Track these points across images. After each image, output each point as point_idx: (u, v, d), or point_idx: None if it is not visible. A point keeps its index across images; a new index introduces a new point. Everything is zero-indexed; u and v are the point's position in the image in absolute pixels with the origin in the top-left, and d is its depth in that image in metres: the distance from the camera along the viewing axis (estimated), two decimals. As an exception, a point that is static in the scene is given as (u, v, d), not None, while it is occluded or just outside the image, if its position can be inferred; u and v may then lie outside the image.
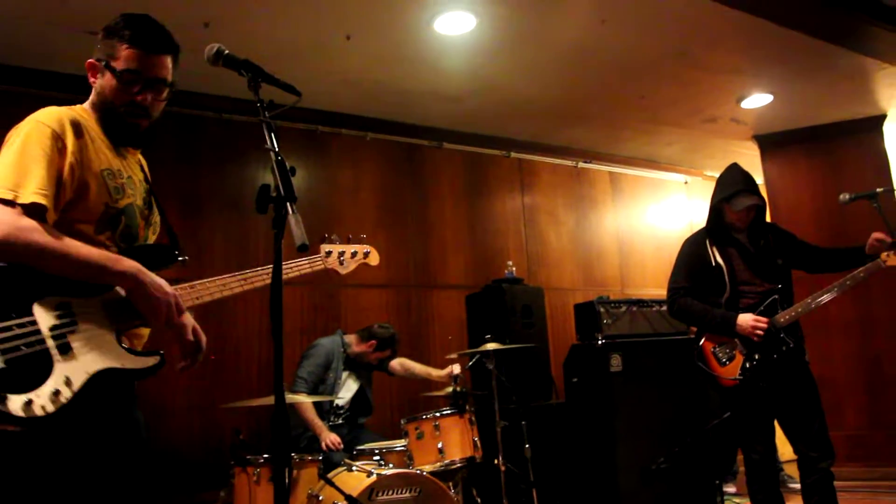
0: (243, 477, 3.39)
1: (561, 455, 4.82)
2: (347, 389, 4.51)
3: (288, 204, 1.55)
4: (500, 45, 4.60)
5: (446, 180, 6.02)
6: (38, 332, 1.66)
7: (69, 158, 1.80)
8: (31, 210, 1.70)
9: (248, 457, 3.42)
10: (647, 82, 5.33)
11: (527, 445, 4.20)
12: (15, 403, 1.57)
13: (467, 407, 3.85)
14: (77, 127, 1.85)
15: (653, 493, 4.51)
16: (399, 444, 3.81)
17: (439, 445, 3.67)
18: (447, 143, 6.04)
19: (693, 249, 3.63)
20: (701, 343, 3.55)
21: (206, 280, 1.99)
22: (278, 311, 1.52)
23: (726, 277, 3.50)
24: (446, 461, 3.65)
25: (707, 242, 3.59)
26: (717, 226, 3.62)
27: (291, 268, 2.36)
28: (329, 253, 2.56)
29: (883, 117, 6.17)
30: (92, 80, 1.97)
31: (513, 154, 6.41)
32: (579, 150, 6.80)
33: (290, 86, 1.79)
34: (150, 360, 1.84)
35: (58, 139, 1.79)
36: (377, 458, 3.69)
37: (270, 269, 2.20)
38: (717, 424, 4.59)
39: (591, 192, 6.87)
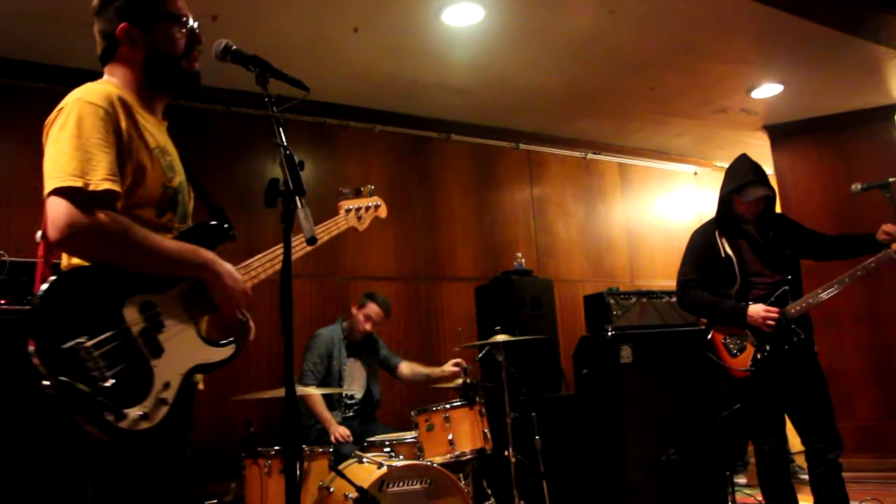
0: (254, 469, 3.41)
1: (571, 447, 4.82)
2: (356, 378, 4.52)
3: (297, 198, 1.54)
4: (508, 36, 4.59)
5: (455, 172, 6.01)
6: (133, 339, 1.60)
7: (125, 138, 1.70)
8: (105, 198, 1.60)
9: (260, 449, 3.44)
10: (656, 73, 5.30)
11: (537, 437, 4.21)
12: (132, 419, 1.54)
13: (477, 399, 3.86)
14: (124, 104, 1.74)
15: (663, 485, 4.51)
16: (409, 435, 3.83)
17: (449, 437, 3.68)
18: (455, 135, 6.03)
19: (702, 241, 3.63)
20: (711, 334, 3.55)
21: (256, 257, 1.95)
22: (288, 303, 1.53)
23: (736, 269, 3.49)
24: (456, 453, 3.66)
25: (716, 234, 3.58)
26: (727, 217, 3.61)
27: (321, 232, 2.32)
28: (349, 210, 2.54)
29: (893, 107, 6.12)
30: (127, 46, 1.83)
31: (521, 146, 6.39)
32: (588, 142, 6.78)
33: (299, 81, 1.79)
34: (228, 350, 1.83)
35: (112, 119, 1.68)
36: (388, 449, 3.70)
37: (318, 230, 2.22)
38: (727, 416, 4.58)
39: (601, 184, 6.85)
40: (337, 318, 4.65)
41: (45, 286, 1.54)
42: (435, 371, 4.55)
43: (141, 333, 1.62)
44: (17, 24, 3.99)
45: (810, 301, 3.40)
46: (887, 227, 3.36)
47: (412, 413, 3.84)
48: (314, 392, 4.08)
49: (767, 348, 3.38)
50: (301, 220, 1.52)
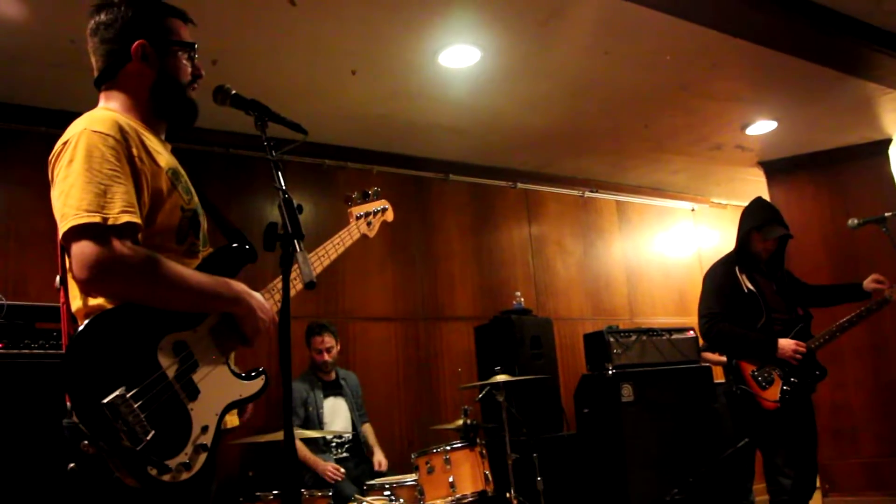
0: (253, 514, 3.36)
1: (573, 487, 4.76)
2: (339, 417, 4.48)
3: (295, 241, 1.52)
4: (504, 77, 4.64)
5: (453, 212, 6.03)
6: (171, 384, 1.54)
7: (139, 165, 1.62)
8: (125, 231, 1.52)
9: (258, 493, 3.39)
10: (651, 111, 5.36)
11: (539, 478, 4.15)
12: (175, 470, 1.49)
13: (478, 440, 3.82)
14: (133, 130, 1.66)
15: (668, 526, 4.45)
16: (409, 478, 3.78)
17: (450, 479, 3.63)
18: (453, 175, 6.07)
19: (724, 276, 3.70)
20: (739, 366, 3.59)
21: (277, 279, 1.85)
22: (287, 346, 1.50)
23: (762, 304, 3.59)
24: (458, 495, 3.62)
25: (736, 270, 3.67)
26: (745, 254, 3.70)
27: (336, 244, 2.26)
28: (359, 217, 2.48)
29: (888, 141, 6.17)
30: (139, 64, 1.76)
31: (519, 185, 6.42)
32: (585, 180, 6.81)
33: (297, 124, 1.79)
34: (259, 382, 1.78)
35: (123, 147, 1.60)
36: (388, 493, 3.66)
37: (328, 248, 2.18)
38: (731, 454, 4.53)
39: (598, 221, 6.87)
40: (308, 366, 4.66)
41: (75, 335, 1.48)
42: (374, 453, 4.48)
43: (177, 377, 1.56)
44: (16, 68, 4.03)
45: (827, 337, 3.58)
46: (877, 276, 3.64)
47: (412, 455, 3.80)
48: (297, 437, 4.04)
49: (793, 381, 3.49)
50: (300, 264, 1.49)
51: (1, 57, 3.90)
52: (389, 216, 2.62)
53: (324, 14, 3.79)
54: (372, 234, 2.52)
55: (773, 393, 3.48)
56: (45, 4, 3.43)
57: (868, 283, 3.68)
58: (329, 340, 4.52)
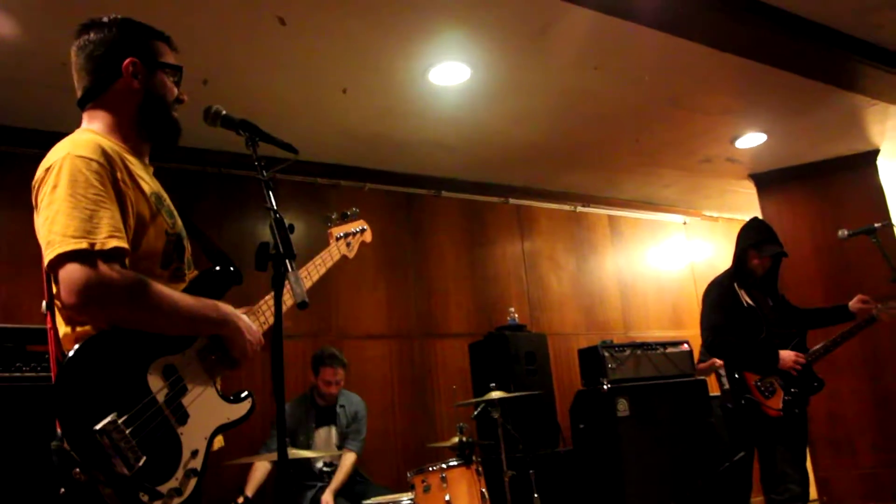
0: (247, 537, 3.32)
1: (571, 503, 4.73)
2: (329, 447, 4.38)
3: (287, 261, 1.52)
4: (494, 93, 4.66)
5: (445, 228, 6.04)
6: (161, 409, 1.53)
7: (123, 189, 1.60)
8: (113, 256, 1.51)
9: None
10: (642, 125, 5.39)
11: (535, 495, 4.13)
12: (166, 496, 1.48)
13: (474, 457, 3.80)
14: (116, 154, 1.65)
15: (666, 541, 4.42)
16: (406, 497, 3.75)
17: (447, 498, 3.60)
18: (445, 192, 6.08)
19: (723, 291, 3.85)
20: (742, 376, 3.71)
21: (261, 301, 1.90)
22: (279, 366, 1.49)
23: (761, 318, 3.74)
24: (454, 514, 3.59)
25: (735, 285, 3.82)
26: (742, 271, 3.86)
27: (318, 265, 2.27)
28: (339, 238, 2.48)
29: (876, 152, 6.21)
30: (129, 82, 1.76)
31: (511, 200, 6.44)
32: (577, 195, 6.83)
33: (288, 144, 1.79)
34: (247, 405, 1.77)
35: (107, 171, 1.58)
36: (384, 512, 3.63)
37: (310, 269, 2.18)
38: (728, 466, 4.52)
39: (591, 236, 6.89)
40: (308, 388, 4.57)
41: (65, 361, 1.46)
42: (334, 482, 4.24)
43: (167, 401, 1.56)
44: (9, 90, 4.03)
45: (822, 351, 3.76)
46: (862, 297, 3.83)
47: (408, 474, 3.77)
48: (264, 462, 4.01)
49: (793, 391, 3.64)
50: (292, 284, 1.48)
51: (-4, 80, 3.91)
52: (368, 237, 2.64)
53: (314, 33, 3.80)
54: (351, 254, 2.53)
55: (777, 402, 3.61)
56: (38, 26, 3.44)
57: (854, 304, 3.86)
58: (340, 373, 4.41)
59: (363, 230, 2.62)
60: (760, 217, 4.19)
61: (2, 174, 4.35)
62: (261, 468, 4.09)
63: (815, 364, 3.81)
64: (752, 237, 3.89)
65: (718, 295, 3.84)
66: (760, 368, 3.68)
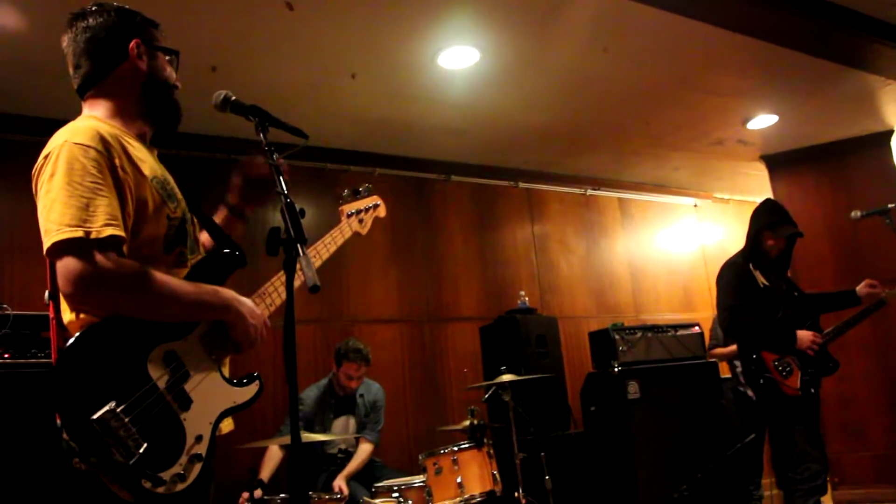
0: (262, 519, 3.36)
1: (582, 485, 4.75)
2: (347, 433, 4.40)
3: (298, 246, 1.51)
4: (504, 76, 4.64)
5: (455, 213, 6.03)
6: (162, 395, 1.53)
7: (122, 176, 1.59)
8: (109, 244, 1.49)
9: (266, 497, 3.39)
10: (652, 108, 5.35)
11: (547, 477, 4.15)
12: (169, 482, 1.48)
13: (485, 440, 3.82)
14: (115, 138, 1.63)
15: (677, 522, 4.44)
16: (418, 479, 3.78)
17: (458, 480, 3.63)
18: (455, 176, 6.07)
19: (739, 272, 3.82)
20: (762, 357, 3.69)
21: (267, 284, 1.90)
22: (292, 350, 1.49)
23: (778, 298, 3.73)
24: (466, 496, 3.61)
25: (750, 266, 3.80)
26: (757, 252, 3.84)
27: (328, 243, 2.22)
28: (350, 215, 2.42)
29: (890, 133, 6.15)
30: (135, 64, 1.77)
31: (521, 184, 6.42)
32: (587, 178, 6.81)
33: (298, 129, 1.79)
34: (254, 388, 1.76)
35: (105, 158, 1.57)
36: (396, 494, 3.66)
37: (319, 248, 2.15)
38: (739, 449, 4.53)
39: (601, 219, 6.87)
40: (330, 371, 4.57)
41: (62, 351, 1.47)
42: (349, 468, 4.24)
43: (168, 388, 1.55)
44: (19, 79, 4.05)
45: (835, 333, 3.79)
46: (869, 281, 3.85)
47: (420, 457, 3.80)
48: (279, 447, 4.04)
49: (810, 371, 3.64)
50: (303, 268, 1.48)
51: (3, 68, 3.92)
52: (382, 212, 2.53)
53: (322, 18, 3.79)
54: (365, 231, 2.45)
55: (795, 381, 3.61)
56: (49, 14, 3.44)
57: (861, 289, 3.88)
58: (363, 368, 4.38)
59: (377, 205, 2.52)
60: (772, 198, 4.14)
61: (13, 163, 4.37)
62: (275, 453, 4.12)
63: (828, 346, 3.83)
64: (768, 218, 3.87)
65: (734, 276, 3.82)
66: (778, 348, 3.67)
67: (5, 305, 3.41)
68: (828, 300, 4.01)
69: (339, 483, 4.03)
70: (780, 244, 3.83)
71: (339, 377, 4.42)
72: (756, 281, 3.74)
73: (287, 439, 3.64)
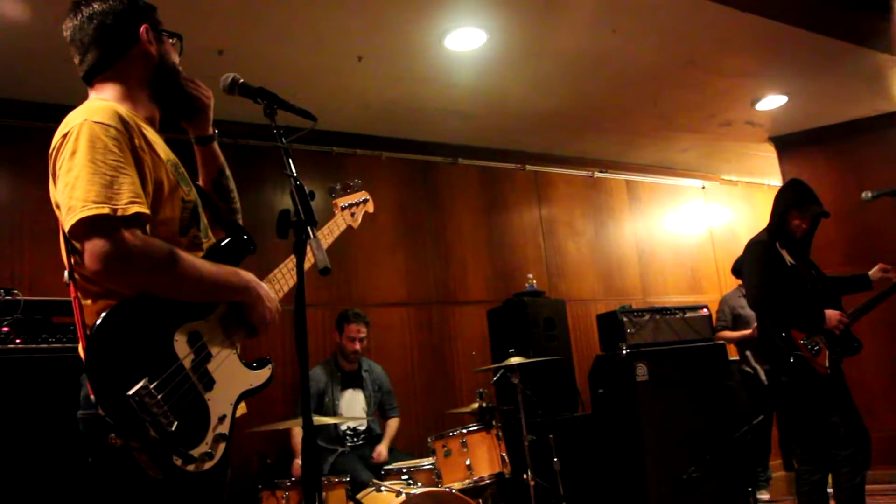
0: (272, 501, 3.38)
1: (590, 467, 4.77)
2: (355, 410, 4.48)
3: (308, 228, 1.52)
4: (511, 58, 4.62)
5: (462, 196, 6.03)
6: (188, 376, 1.54)
7: (141, 156, 1.59)
8: (135, 221, 1.49)
9: (276, 480, 3.42)
10: (660, 89, 5.32)
11: (555, 459, 4.17)
12: (198, 460, 1.50)
13: (494, 422, 3.83)
14: (133, 120, 1.63)
15: (685, 503, 4.45)
16: (427, 462, 3.80)
17: (467, 462, 3.65)
18: (462, 159, 6.06)
19: (766, 251, 3.78)
20: (790, 335, 3.67)
21: (276, 270, 1.92)
22: (303, 332, 1.50)
23: (805, 277, 3.72)
24: (475, 478, 3.63)
25: (777, 245, 3.76)
26: (782, 231, 3.81)
27: (325, 235, 2.31)
28: (344, 208, 2.51)
29: (900, 113, 6.11)
30: (145, 49, 1.75)
31: (528, 167, 6.41)
32: (595, 160, 6.79)
33: (306, 111, 1.79)
34: (268, 371, 1.79)
35: (125, 137, 1.56)
36: (405, 477, 3.68)
37: (320, 234, 2.17)
38: (747, 430, 4.53)
39: (609, 202, 6.85)
40: (331, 354, 4.66)
41: (94, 328, 1.47)
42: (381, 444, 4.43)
43: (193, 367, 1.56)
44: (30, 65, 4.05)
45: (858, 314, 3.76)
46: (882, 266, 3.85)
47: (429, 439, 3.82)
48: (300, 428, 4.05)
49: (837, 349, 3.66)
50: (313, 250, 1.49)
51: (15, 54, 3.92)
52: (370, 207, 2.67)
53: (328, 0, 3.77)
54: (356, 224, 2.56)
55: (824, 360, 3.61)
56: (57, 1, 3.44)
57: (874, 273, 3.88)
58: (364, 330, 4.53)
59: (366, 200, 2.65)
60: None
61: (23, 148, 4.38)
62: (299, 434, 4.16)
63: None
64: (795, 196, 3.83)
65: (762, 253, 3.78)
66: (808, 327, 3.65)
67: (16, 291, 3.43)
68: (841, 283, 3.99)
69: (382, 450, 4.29)
70: (806, 224, 3.81)
71: (343, 344, 4.51)
72: (784, 259, 3.71)
73: (315, 419, 3.69)
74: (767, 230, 3.87)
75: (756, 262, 3.80)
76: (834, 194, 6.20)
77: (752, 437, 4.77)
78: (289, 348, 4.57)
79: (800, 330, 3.66)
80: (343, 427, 4.39)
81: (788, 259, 3.74)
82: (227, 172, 2.04)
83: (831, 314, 3.67)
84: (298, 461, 4.07)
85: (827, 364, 3.61)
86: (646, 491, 4.45)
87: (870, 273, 3.90)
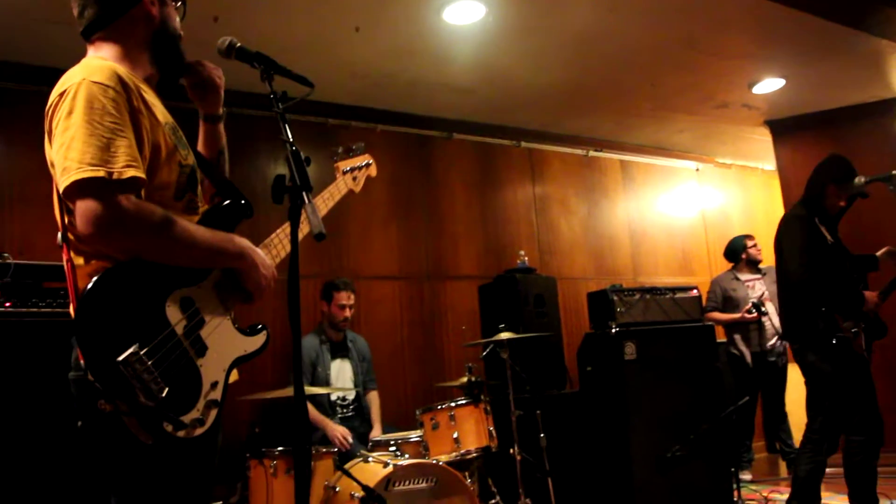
0: (260, 470, 3.40)
1: (576, 444, 4.81)
2: (345, 380, 4.53)
3: (304, 193, 1.51)
4: (509, 34, 4.59)
5: (457, 171, 6.01)
6: (180, 341, 1.54)
7: (139, 118, 1.57)
8: (130, 186, 1.47)
9: (265, 449, 3.43)
10: (657, 69, 5.30)
11: (542, 434, 4.20)
12: (189, 426, 1.50)
13: (482, 397, 3.86)
14: (132, 81, 1.60)
15: (668, 481, 4.51)
16: (415, 434, 3.82)
17: (455, 435, 3.68)
18: (457, 134, 6.03)
19: (807, 227, 3.65)
20: (834, 316, 3.58)
21: (273, 235, 1.90)
22: (296, 301, 1.50)
23: (844, 255, 3.64)
24: (462, 451, 3.66)
25: (816, 221, 3.66)
26: (818, 206, 3.71)
27: (325, 198, 2.28)
28: (345, 172, 2.47)
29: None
30: (147, 9, 1.72)
31: (523, 144, 6.39)
32: (590, 139, 6.77)
33: (303, 77, 1.77)
34: (262, 338, 1.78)
35: (124, 98, 1.54)
36: (393, 448, 3.70)
37: (318, 203, 2.18)
38: (732, 411, 4.58)
39: (603, 181, 6.85)
40: (316, 325, 4.68)
41: (84, 292, 1.46)
42: (374, 428, 4.46)
43: (185, 333, 1.56)
44: (14, 26, 3.99)
45: (887, 295, 3.65)
46: (891, 249, 3.78)
47: (417, 412, 3.84)
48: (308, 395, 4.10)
49: (868, 332, 3.59)
50: (309, 215, 1.48)
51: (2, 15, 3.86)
52: (373, 171, 2.61)
53: (326, -32, 3.73)
54: (358, 188, 2.52)
55: (860, 342, 3.55)
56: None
57: (881, 254, 3.82)
58: (352, 298, 4.56)
59: (369, 164, 2.59)
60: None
61: (11, 112, 4.33)
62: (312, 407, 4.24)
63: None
64: (836, 172, 3.72)
65: (803, 229, 3.64)
66: (849, 308, 3.56)
67: (6, 255, 3.42)
68: (856, 263, 3.90)
69: (377, 431, 4.35)
70: (844, 202, 3.73)
71: (332, 313, 4.53)
72: (825, 237, 3.61)
73: (308, 389, 3.72)
74: (803, 204, 3.76)
75: (798, 239, 3.66)
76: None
77: (736, 418, 4.81)
78: (279, 317, 4.57)
79: (840, 311, 3.55)
80: (333, 397, 4.42)
81: (828, 237, 3.62)
82: (226, 154, 2.03)
83: (870, 296, 3.58)
84: (332, 432, 4.11)
85: (864, 346, 3.54)
86: (630, 468, 4.49)
87: (878, 254, 3.84)
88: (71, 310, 1.57)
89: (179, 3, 1.85)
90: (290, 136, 1.61)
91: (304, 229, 1.84)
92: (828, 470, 3.60)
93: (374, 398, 4.62)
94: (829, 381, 3.56)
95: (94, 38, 1.73)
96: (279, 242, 1.92)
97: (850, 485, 3.52)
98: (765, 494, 4.92)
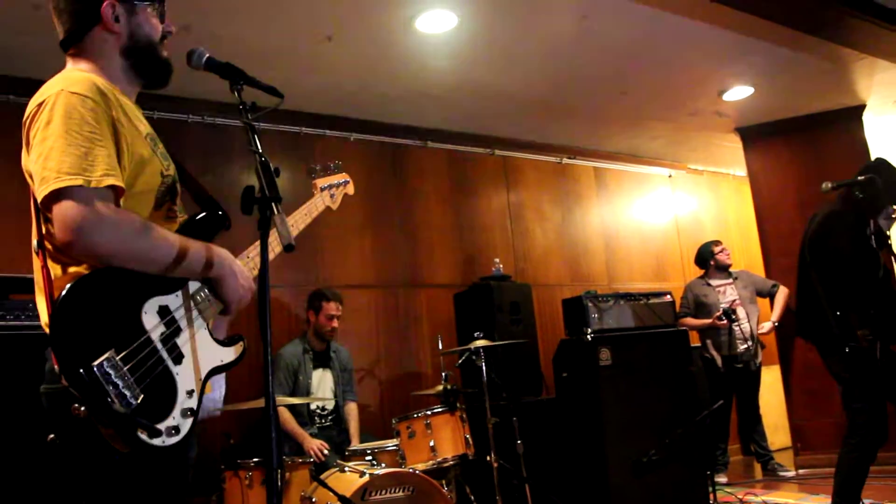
0: (235, 481, 3.39)
1: (553, 450, 4.83)
2: (325, 390, 4.51)
3: (273, 204, 1.51)
4: (481, 42, 4.61)
5: (431, 179, 6.02)
6: (156, 349, 1.53)
7: (118, 129, 1.58)
8: (108, 194, 1.49)
9: (239, 461, 3.41)
10: (629, 77, 5.36)
11: (518, 441, 4.21)
12: (164, 434, 1.49)
13: (458, 404, 3.86)
14: (111, 92, 1.61)
15: (644, 486, 4.53)
16: (391, 443, 3.82)
17: (431, 444, 3.68)
18: (431, 143, 6.04)
19: (860, 225, 3.57)
20: (847, 316, 3.53)
21: (250, 247, 1.90)
22: (265, 313, 1.50)
23: (879, 263, 3.56)
24: (439, 459, 3.67)
25: (869, 221, 3.57)
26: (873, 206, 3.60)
27: (304, 214, 2.28)
28: (323, 189, 2.50)
29: (862, 107, 6.23)
30: (109, 26, 1.69)
31: (497, 152, 6.41)
32: (563, 147, 6.82)
33: (272, 87, 1.77)
34: (239, 348, 1.78)
35: (102, 109, 1.55)
36: (369, 458, 3.69)
37: (297, 218, 2.19)
38: (706, 415, 4.62)
39: (577, 188, 6.89)
40: (302, 333, 4.65)
41: (60, 297, 1.45)
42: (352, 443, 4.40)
43: (162, 340, 1.56)
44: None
45: None
46: None
47: (393, 421, 3.84)
48: (285, 406, 4.06)
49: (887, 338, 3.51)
50: (278, 226, 1.49)
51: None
52: (350, 189, 2.67)
53: (298, -22, 3.73)
54: (335, 206, 2.56)
55: (876, 348, 3.50)
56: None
57: None
58: (340, 309, 4.54)
59: (346, 182, 2.64)
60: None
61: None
62: (284, 413, 4.16)
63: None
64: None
65: (851, 229, 3.54)
66: (875, 317, 3.47)
67: (-28, 266, 3.36)
68: None
69: (356, 443, 4.26)
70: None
71: (319, 322, 4.49)
72: (869, 238, 3.53)
73: (285, 399, 3.69)
74: (843, 201, 3.65)
75: (844, 238, 3.56)
76: (797, 185, 6.34)
77: (711, 421, 4.86)
78: (253, 328, 4.52)
79: (862, 316, 3.48)
80: (313, 406, 4.40)
81: (872, 239, 3.55)
82: None
83: None
84: (308, 444, 4.05)
85: (878, 354, 3.46)
86: (607, 473, 4.51)
87: None
88: (45, 317, 1.56)
89: (157, 4, 1.82)
90: (259, 146, 1.61)
91: (277, 248, 1.83)
92: (826, 470, 3.59)
93: (352, 410, 4.57)
94: (847, 385, 3.57)
95: (71, 51, 1.74)
96: (256, 255, 1.91)
97: (837, 481, 3.53)
98: (740, 497, 4.96)
